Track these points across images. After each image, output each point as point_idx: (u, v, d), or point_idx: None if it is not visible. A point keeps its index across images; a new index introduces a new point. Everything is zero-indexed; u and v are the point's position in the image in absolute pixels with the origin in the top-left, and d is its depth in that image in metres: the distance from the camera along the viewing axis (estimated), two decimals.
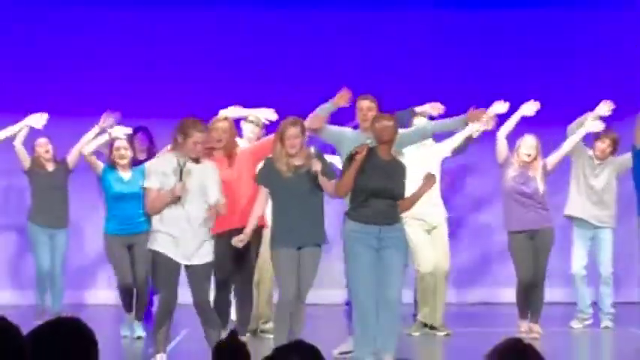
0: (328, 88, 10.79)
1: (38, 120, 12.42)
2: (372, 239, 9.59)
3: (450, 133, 11.82)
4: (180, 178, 9.61)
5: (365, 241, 9.59)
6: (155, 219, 9.86)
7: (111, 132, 11.93)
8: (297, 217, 9.98)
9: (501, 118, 11.95)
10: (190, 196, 9.72)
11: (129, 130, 12.01)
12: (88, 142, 12.06)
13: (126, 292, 11.85)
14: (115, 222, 11.88)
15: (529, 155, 11.80)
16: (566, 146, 12.17)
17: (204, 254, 9.87)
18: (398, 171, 9.69)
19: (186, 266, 9.80)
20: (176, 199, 9.64)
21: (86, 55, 14.43)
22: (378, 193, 9.59)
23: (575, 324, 12.66)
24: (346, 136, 10.69)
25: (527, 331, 11.77)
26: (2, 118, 13.16)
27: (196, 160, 9.76)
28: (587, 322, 12.63)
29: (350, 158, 9.54)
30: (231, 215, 10.39)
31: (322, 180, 9.91)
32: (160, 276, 9.98)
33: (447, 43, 14.59)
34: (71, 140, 12.47)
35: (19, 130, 12.47)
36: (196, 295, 9.89)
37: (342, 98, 10.55)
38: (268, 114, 11.60)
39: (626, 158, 12.03)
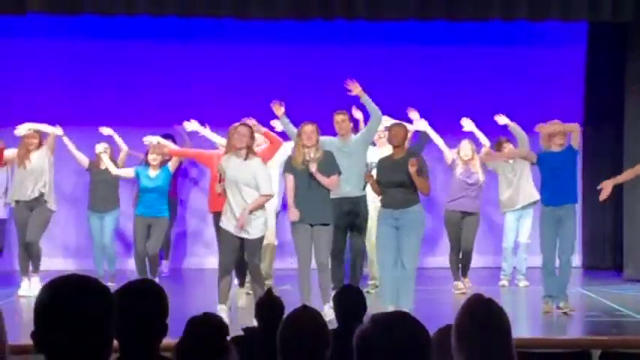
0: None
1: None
2: (390, 219, 9.95)
3: None
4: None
5: (385, 220, 9.99)
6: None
7: (145, 140, 12.14)
8: (309, 201, 10.10)
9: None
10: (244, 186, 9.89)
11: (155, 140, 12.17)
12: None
13: (137, 258, 12.00)
14: (142, 207, 12.06)
15: (467, 155, 12.35)
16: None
17: (256, 231, 9.96)
18: (405, 166, 9.84)
19: (243, 239, 9.90)
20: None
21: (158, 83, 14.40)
22: (389, 185, 9.96)
23: (503, 283, 12.66)
24: (332, 142, 10.86)
25: (463, 287, 12.07)
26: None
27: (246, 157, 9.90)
28: (508, 281, 12.75)
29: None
30: None
31: (319, 177, 10.04)
32: (222, 246, 10.13)
33: (425, 71, 14.55)
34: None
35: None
36: (249, 261, 10.03)
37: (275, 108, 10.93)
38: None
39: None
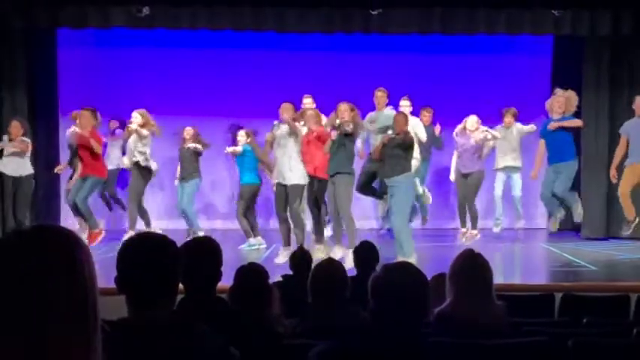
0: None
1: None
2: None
3: None
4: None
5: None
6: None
7: None
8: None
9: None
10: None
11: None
12: None
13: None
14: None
15: (472, 126, 11.70)
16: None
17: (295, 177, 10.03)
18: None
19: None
20: None
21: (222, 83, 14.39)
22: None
23: (495, 229, 12.43)
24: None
25: (466, 232, 11.65)
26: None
27: None
28: (501, 226, 12.43)
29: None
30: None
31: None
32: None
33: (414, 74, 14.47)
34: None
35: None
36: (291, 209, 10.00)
37: None
38: None
39: (524, 128, 12.27)
